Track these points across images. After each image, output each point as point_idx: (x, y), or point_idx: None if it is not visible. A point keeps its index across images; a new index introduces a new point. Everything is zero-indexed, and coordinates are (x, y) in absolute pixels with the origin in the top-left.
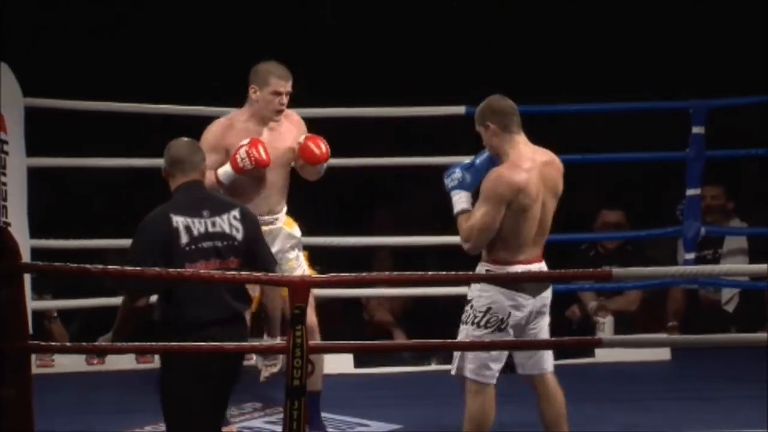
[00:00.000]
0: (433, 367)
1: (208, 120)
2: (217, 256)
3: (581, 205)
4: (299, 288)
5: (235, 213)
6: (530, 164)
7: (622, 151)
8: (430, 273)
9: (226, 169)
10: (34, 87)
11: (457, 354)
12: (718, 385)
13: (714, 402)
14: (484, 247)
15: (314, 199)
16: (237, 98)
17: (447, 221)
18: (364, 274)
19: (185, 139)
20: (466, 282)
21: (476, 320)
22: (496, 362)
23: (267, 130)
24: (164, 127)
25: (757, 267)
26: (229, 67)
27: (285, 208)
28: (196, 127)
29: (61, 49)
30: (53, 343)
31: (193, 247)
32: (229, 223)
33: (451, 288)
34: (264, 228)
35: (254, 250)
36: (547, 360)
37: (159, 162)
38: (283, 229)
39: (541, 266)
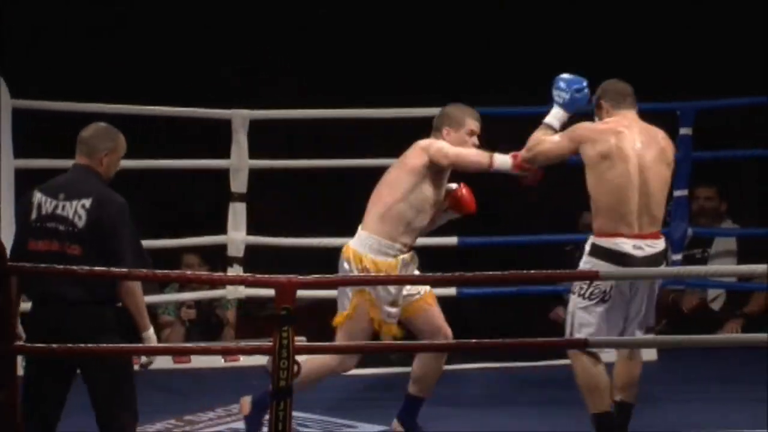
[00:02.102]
0: None
1: (208, 121)
2: (57, 238)
3: (566, 206)
4: (286, 289)
5: (86, 202)
6: (622, 128)
7: None
8: (415, 275)
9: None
10: (33, 87)
11: (569, 323)
12: (705, 386)
13: (701, 402)
14: (535, 165)
15: (303, 200)
16: (237, 99)
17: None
18: (351, 275)
19: (101, 123)
20: (455, 283)
21: (582, 291)
22: (601, 333)
23: None
24: (153, 128)
25: (742, 267)
26: (227, 68)
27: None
28: (192, 128)
29: (61, 49)
30: (39, 345)
31: (38, 224)
32: (75, 210)
33: (440, 288)
34: (405, 257)
35: (103, 242)
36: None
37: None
38: (415, 257)
39: (654, 243)
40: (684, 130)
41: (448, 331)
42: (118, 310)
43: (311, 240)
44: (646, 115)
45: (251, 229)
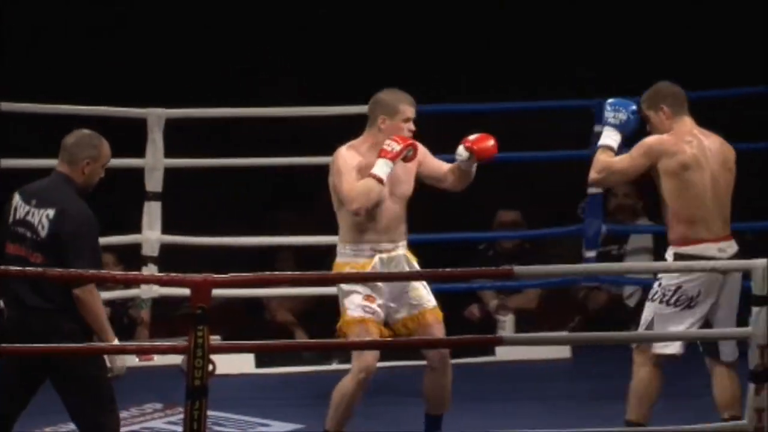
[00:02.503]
0: (334, 366)
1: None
2: (24, 245)
3: (481, 205)
4: (201, 288)
5: (50, 212)
6: (690, 137)
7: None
8: (331, 273)
9: (380, 163)
10: (33, 87)
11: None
12: (618, 382)
13: (614, 399)
14: (606, 187)
15: (217, 200)
16: (236, 99)
17: None
18: (266, 273)
19: (85, 131)
20: (366, 280)
21: (665, 298)
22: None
23: None
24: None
25: (657, 264)
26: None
27: (405, 240)
28: (185, 128)
29: (61, 49)
30: (4, 345)
31: (12, 228)
32: (39, 218)
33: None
34: (383, 256)
35: (60, 253)
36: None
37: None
38: (406, 257)
39: (731, 244)
40: (599, 127)
41: (445, 351)
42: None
43: (229, 239)
44: (563, 111)
45: (169, 228)
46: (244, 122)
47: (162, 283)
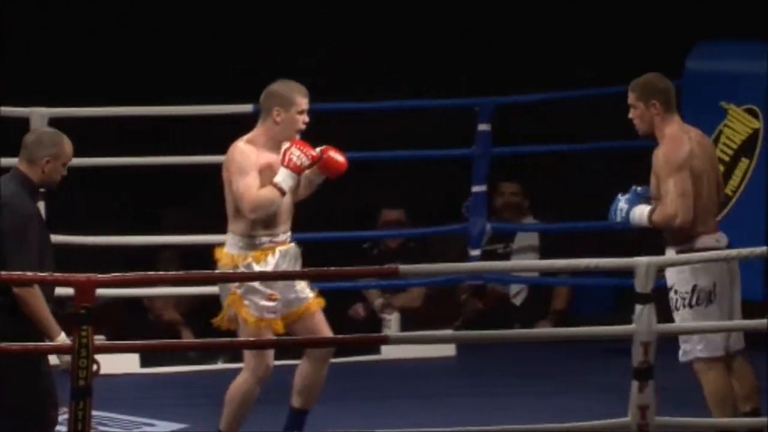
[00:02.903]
0: (220, 365)
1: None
2: None
3: (365, 204)
4: (85, 288)
5: None
6: (687, 136)
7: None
8: (215, 272)
9: (285, 174)
10: (32, 87)
11: (684, 340)
12: (503, 381)
13: (497, 397)
14: (691, 215)
15: (100, 199)
16: (236, 98)
17: None
18: (150, 273)
19: (47, 129)
20: (252, 280)
21: (686, 302)
22: (718, 335)
23: (276, 154)
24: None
25: (543, 262)
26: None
27: None
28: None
29: (61, 49)
30: None
31: None
32: None
33: None
34: (282, 248)
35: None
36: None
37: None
38: (297, 249)
39: (722, 234)
40: (483, 126)
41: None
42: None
43: (113, 238)
44: (444, 112)
45: (54, 228)
46: (144, 121)
47: (45, 282)
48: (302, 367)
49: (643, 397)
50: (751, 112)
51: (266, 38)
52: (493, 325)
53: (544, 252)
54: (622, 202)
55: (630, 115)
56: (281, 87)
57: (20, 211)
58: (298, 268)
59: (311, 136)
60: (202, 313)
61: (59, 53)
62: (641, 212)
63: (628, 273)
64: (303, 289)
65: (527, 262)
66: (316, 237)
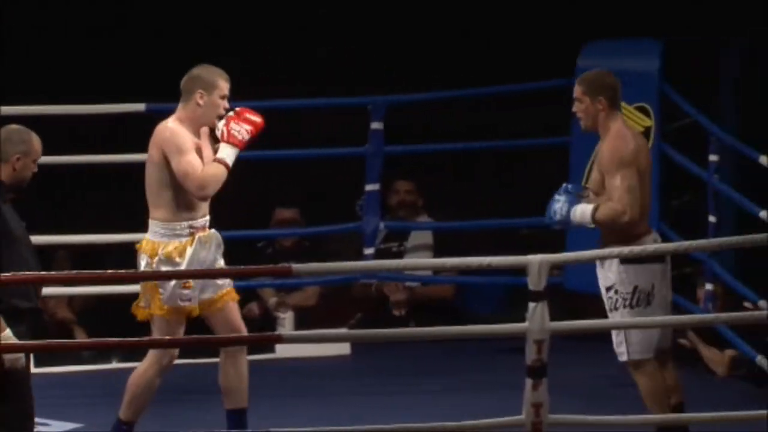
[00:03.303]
0: (114, 365)
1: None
2: None
3: (258, 202)
4: None
5: None
6: (632, 133)
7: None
8: (109, 271)
9: (228, 150)
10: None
11: (620, 342)
12: (397, 380)
13: (392, 396)
14: (638, 211)
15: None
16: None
17: (128, 219)
18: (44, 273)
19: (13, 126)
20: (144, 279)
21: (627, 303)
22: (652, 336)
23: (198, 137)
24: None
25: (435, 261)
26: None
27: None
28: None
29: (61, 48)
30: None
31: None
32: None
33: (131, 286)
34: (201, 235)
35: None
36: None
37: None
38: (218, 235)
39: (656, 234)
40: (375, 125)
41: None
42: None
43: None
44: (337, 110)
45: None
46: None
47: None
48: (221, 370)
49: (537, 395)
50: (643, 110)
51: (266, 38)
52: (387, 324)
53: (439, 250)
54: (560, 202)
55: (574, 109)
56: (204, 71)
57: None
58: (219, 254)
59: None
60: (96, 312)
61: (59, 53)
62: (583, 211)
63: (521, 271)
64: None
65: (420, 261)
66: None
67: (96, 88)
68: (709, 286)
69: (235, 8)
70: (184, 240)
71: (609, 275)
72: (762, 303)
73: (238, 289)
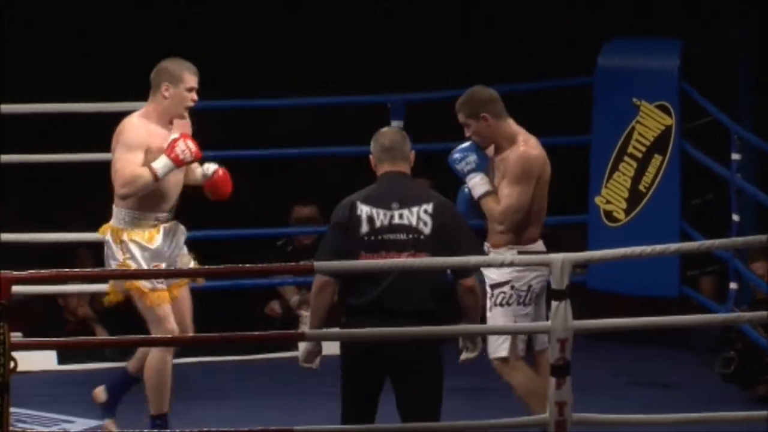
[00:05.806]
0: None
1: None
2: (397, 248)
3: (277, 200)
4: (1, 285)
5: (428, 207)
6: (535, 139)
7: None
8: (131, 269)
9: (165, 163)
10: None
11: (494, 340)
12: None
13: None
14: (512, 229)
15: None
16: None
17: None
18: (66, 270)
19: (395, 127)
20: (168, 276)
21: (521, 299)
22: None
23: (168, 130)
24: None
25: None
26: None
27: None
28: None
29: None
30: None
31: (372, 237)
32: (417, 216)
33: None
34: (166, 225)
35: (450, 243)
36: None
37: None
38: (181, 226)
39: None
40: (395, 123)
41: (190, 324)
42: None
43: (26, 235)
44: (356, 109)
45: None
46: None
47: None
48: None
49: (561, 394)
50: (663, 109)
51: (266, 38)
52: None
53: None
54: (472, 156)
55: (467, 134)
56: (171, 64)
57: None
58: (182, 241)
59: (226, 130)
60: (118, 309)
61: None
62: (477, 184)
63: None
64: (187, 263)
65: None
66: (229, 234)
67: (95, 87)
68: (733, 285)
69: (254, 8)
70: (147, 230)
71: (504, 271)
72: None
73: (260, 288)
